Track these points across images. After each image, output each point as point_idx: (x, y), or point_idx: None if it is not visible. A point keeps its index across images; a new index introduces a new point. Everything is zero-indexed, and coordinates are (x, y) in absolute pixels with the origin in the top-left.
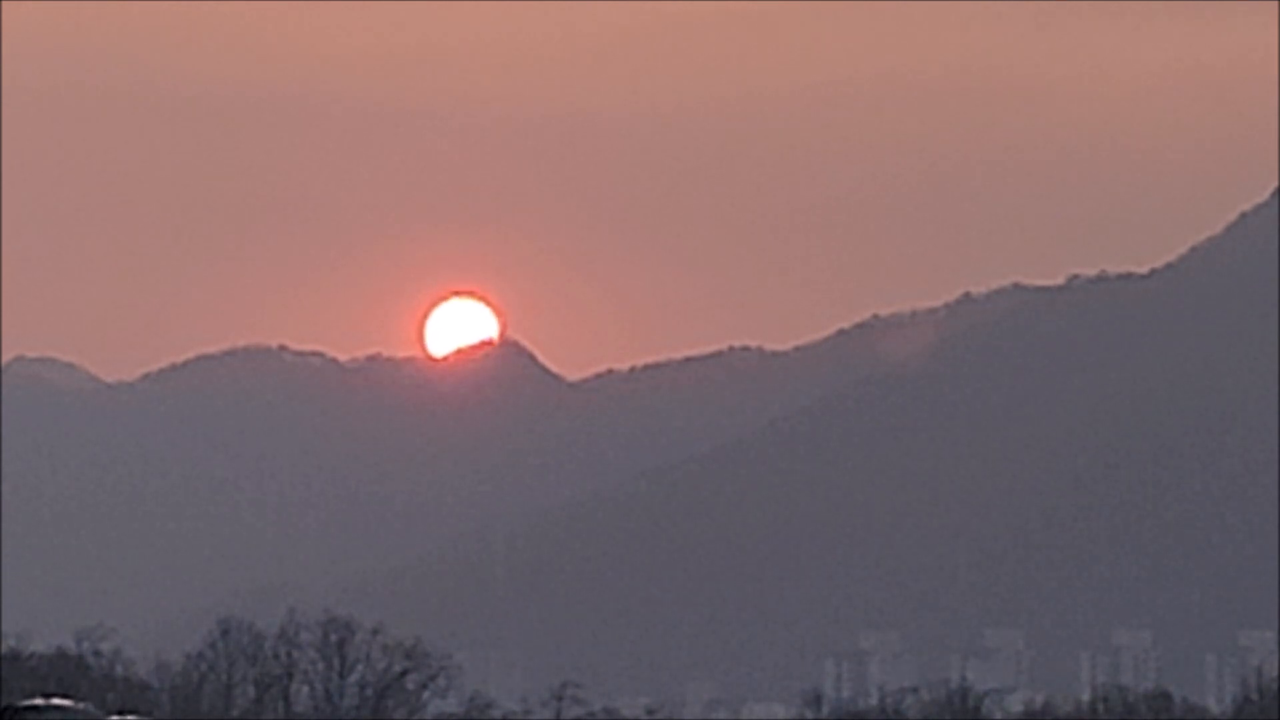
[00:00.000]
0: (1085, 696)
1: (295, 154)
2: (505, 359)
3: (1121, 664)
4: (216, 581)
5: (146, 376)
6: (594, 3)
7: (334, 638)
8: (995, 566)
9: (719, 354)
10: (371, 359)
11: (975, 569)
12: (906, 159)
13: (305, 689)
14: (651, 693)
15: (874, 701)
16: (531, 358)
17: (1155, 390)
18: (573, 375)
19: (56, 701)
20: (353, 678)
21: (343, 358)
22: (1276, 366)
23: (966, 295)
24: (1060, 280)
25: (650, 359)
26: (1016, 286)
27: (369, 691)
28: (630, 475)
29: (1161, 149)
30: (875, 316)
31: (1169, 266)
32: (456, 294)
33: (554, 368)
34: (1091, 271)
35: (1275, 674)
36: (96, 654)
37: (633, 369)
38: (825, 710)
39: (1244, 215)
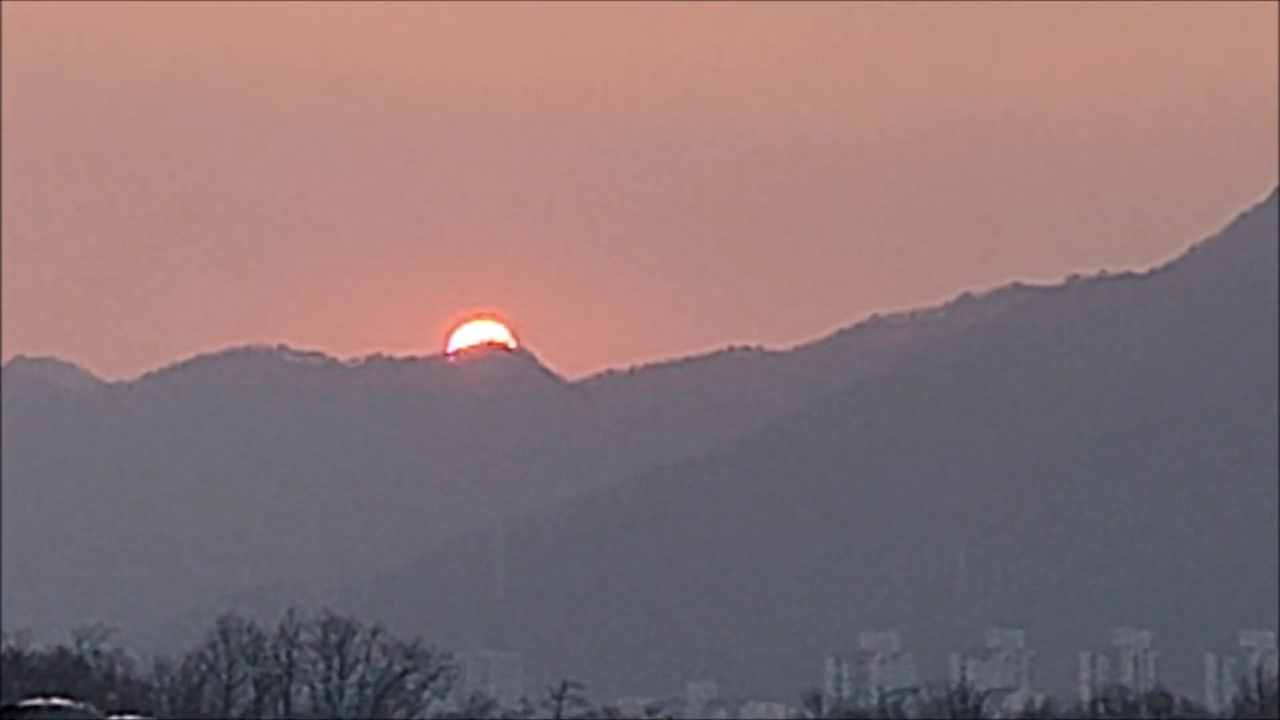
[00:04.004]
0: (1085, 696)
1: (295, 155)
2: (505, 359)
3: (1121, 664)
4: (216, 581)
5: (146, 376)
6: (587, 2)
7: (334, 638)
8: (995, 566)
9: (719, 354)
10: (371, 359)
11: (975, 569)
12: (907, 159)
13: (305, 689)
14: (651, 693)
15: (874, 701)
16: (532, 358)
17: (1155, 390)
18: (573, 375)
19: (56, 701)
20: (353, 678)
21: (343, 358)
22: (1276, 366)
23: (966, 295)
24: (1060, 280)
25: (650, 359)
26: (1016, 286)
27: (369, 691)
28: (630, 475)
29: (1162, 149)
30: (875, 316)
31: (1169, 266)
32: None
33: (554, 368)
34: (1091, 271)
35: (1275, 674)
36: (96, 654)
37: (633, 369)
38: (825, 710)
39: (1244, 215)
